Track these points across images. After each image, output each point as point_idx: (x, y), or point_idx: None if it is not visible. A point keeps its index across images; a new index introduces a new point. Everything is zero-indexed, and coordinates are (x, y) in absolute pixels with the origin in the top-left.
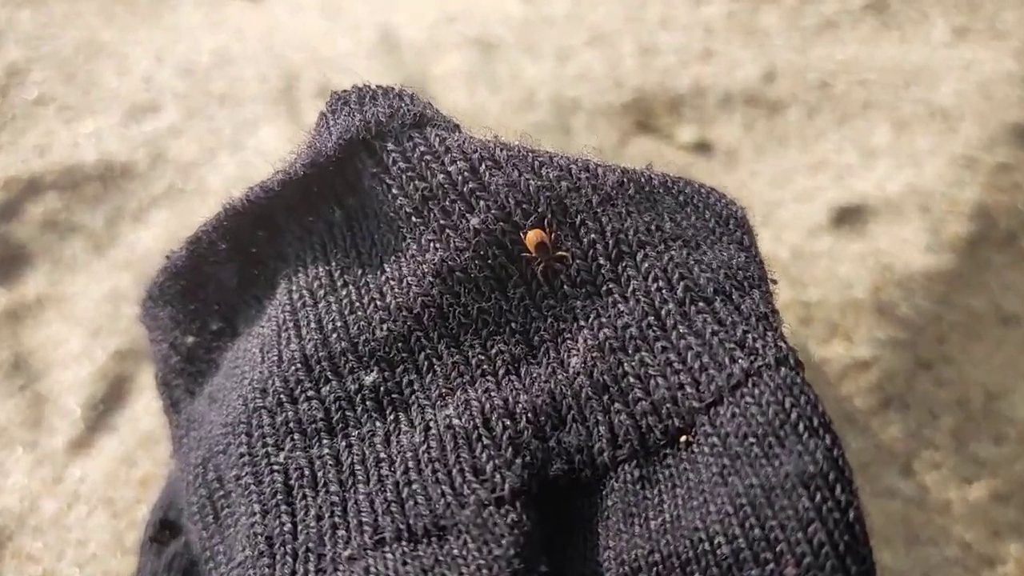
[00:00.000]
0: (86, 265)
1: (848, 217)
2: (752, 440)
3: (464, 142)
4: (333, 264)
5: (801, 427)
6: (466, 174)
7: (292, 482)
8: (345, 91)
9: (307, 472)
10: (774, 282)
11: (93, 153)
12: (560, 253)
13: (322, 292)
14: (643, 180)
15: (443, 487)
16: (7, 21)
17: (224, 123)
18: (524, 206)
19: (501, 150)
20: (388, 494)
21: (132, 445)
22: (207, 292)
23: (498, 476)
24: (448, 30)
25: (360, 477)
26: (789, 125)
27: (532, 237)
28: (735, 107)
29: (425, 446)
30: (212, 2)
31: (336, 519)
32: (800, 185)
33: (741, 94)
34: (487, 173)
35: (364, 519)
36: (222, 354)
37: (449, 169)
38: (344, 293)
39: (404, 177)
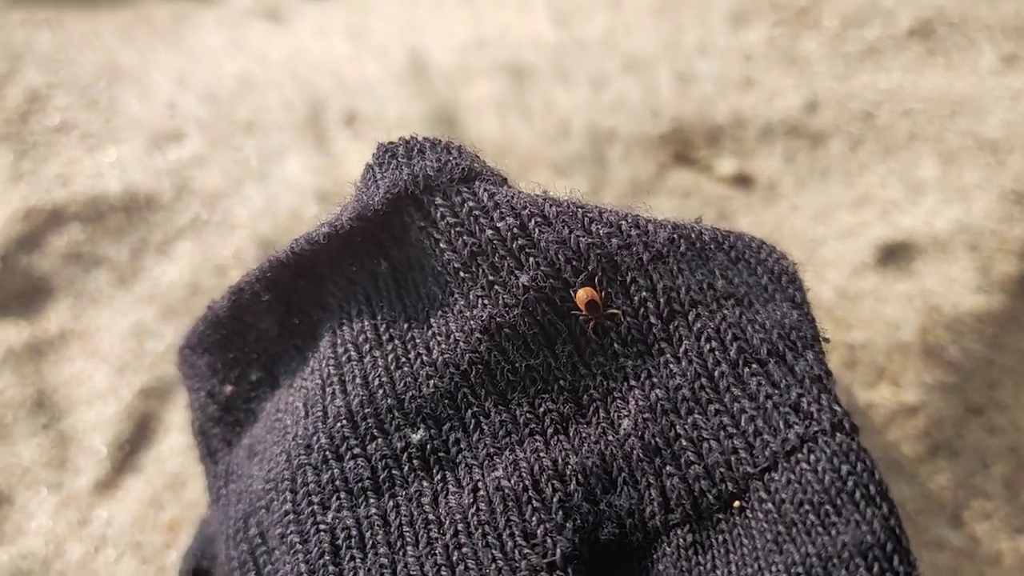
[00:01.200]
0: (110, 298)
1: (894, 255)
2: (808, 508)
3: (513, 197)
4: (379, 318)
5: (858, 495)
6: (516, 230)
7: (339, 543)
8: (392, 143)
9: (355, 533)
10: (827, 340)
11: (117, 183)
12: (611, 311)
13: (367, 347)
14: (694, 236)
15: (494, 551)
16: (25, 43)
17: (250, 152)
18: (574, 263)
19: (550, 206)
20: (438, 557)
21: (159, 487)
22: (247, 341)
23: (549, 540)
24: (479, 55)
25: (409, 539)
26: (832, 157)
27: (583, 295)
28: (776, 138)
29: (474, 508)
30: (234, 23)
31: None
32: (843, 221)
33: (782, 125)
34: (536, 229)
35: None
36: (261, 404)
37: (498, 225)
38: (390, 348)
39: (453, 232)
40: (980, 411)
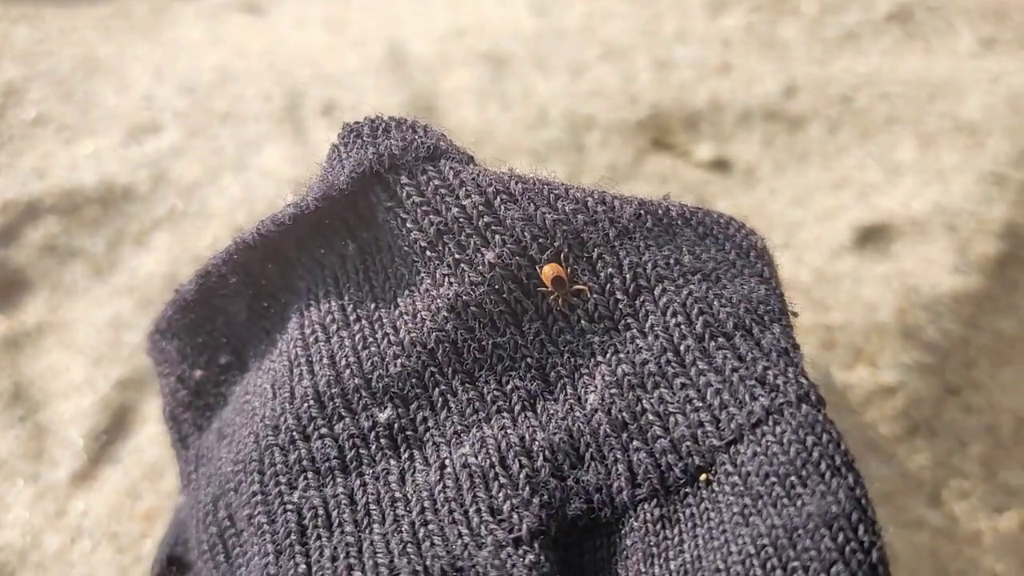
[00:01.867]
0: (86, 290)
1: (872, 237)
2: (774, 480)
3: (479, 175)
4: (346, 299)
5: (823, 466)
6: (481, 208)
7: (306, 522)
8: (357, 123)
9: (321, 512)
10: (795, 314)
11: (93, 175)
12: (577, 287)
13: (335, 327)
14: (661, 212)
15: (460, 527)
16: (3, 37)
17: (227, 142)
18: (540, 240)
19: (516, 183)
20: (404, 534)
21: (136, 477)
22: (216, 325)
23: (516, 516)
24: (458, 44)
25: (375, 517)
26: (810, 141)
27: (548, 271)
28: (754, 123)
29: (441, 485)
30: (213, 15)
31: (352, 560)
32: (822, 204)
33: (760, 109)
34: (502, 207)
35: (380, 560)
36: (230, 388)
37: (464, 203)
38: (357, 328)
39: (419, 211)
40: (957, 391)
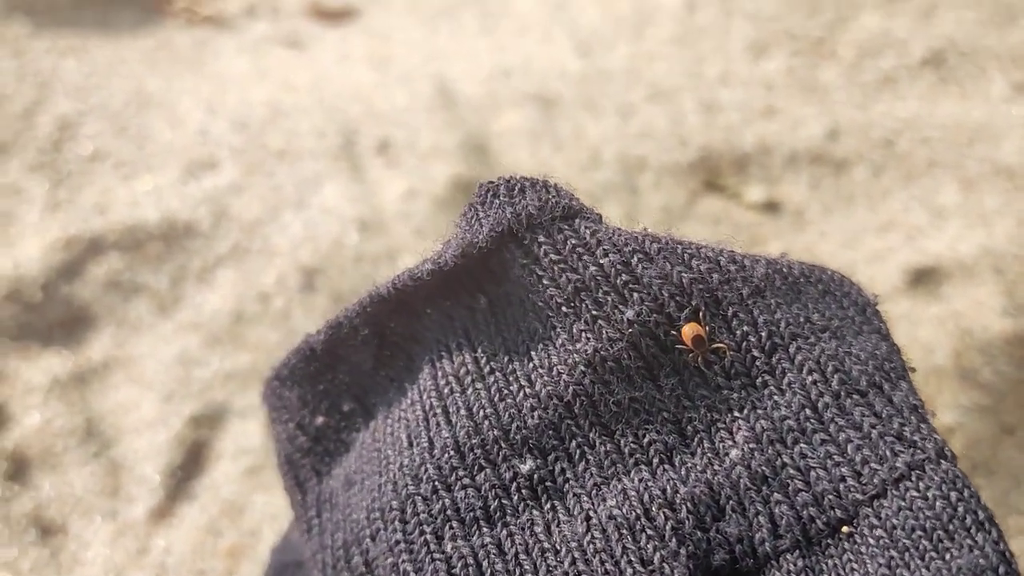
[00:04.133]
0: (152, 327)
1: (922, 279)
2: (920, 534)
3: (614, 234)
4: (479, 351)
5: (968, 521)
6: (619, 267)
7: (456, 571)
8: (493, 182)
9: (471, 561)
10: (913, 370)
11: (154, 211)
12: (716, 345)
13: (469, 379)
14: (786, 271)
15: None
16: (52, 72)
17: (285, 180)
18: (677, 298)
19: (651, 242)
20: None
21: (215, 514)
22: (338, 373)
23: (666, 567)
24: (505, 85)
25: (527, 567)
26: (856, 184)
27: (688, 330)
28: (801, 166)
29: (588, 536)
30: (255, 49)
31: None
32: (871, 246)
33: (806, 152)
34: (639, 266)
35: None
36: (352, 435)
37: (602, 262)
38: (492, 380)
39: (556, 269)
40: (1012, 430)
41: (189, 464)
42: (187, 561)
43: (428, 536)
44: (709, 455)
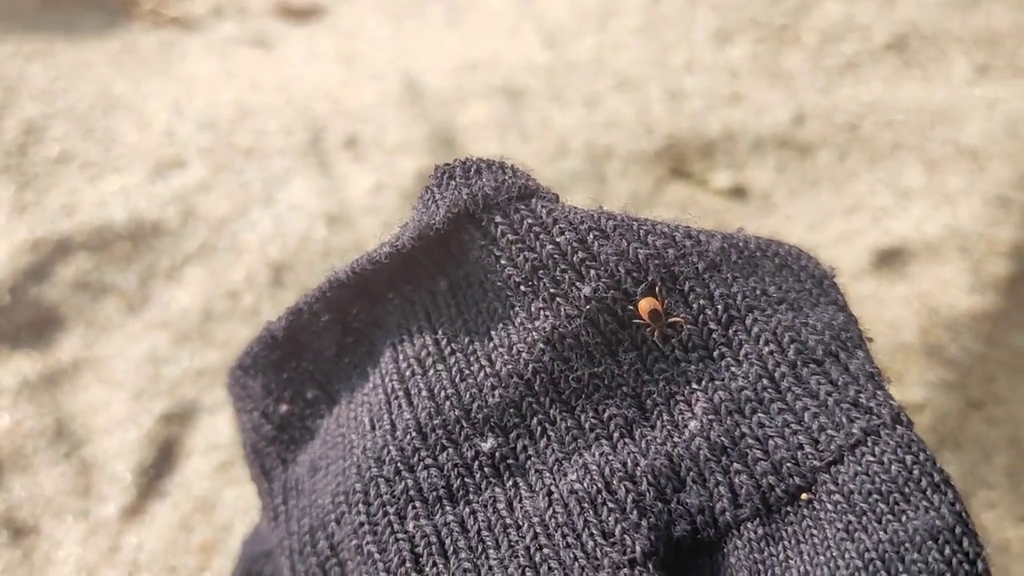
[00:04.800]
0: (121, 326)
1: (889, 260)
2: (877, 497)
3: (570, 212)
4: (440, 333)
5: (924, 483)
6: (575, 244)
7: (420, 550)
8: (449, 164)
9: (434, 540)
10: (870, 339)
11: (122, 211)
12: (673, 319)
13: (430, 360)
14: (741, 245)
15: (575, 551)
16: (18, 76)
17: (253, 177)
18: (634, 274)
19: (607, 220)
20: (520, 559)
21: (187, 510)
22: (301, 361)
23: (627, 538)
24: (472, 78)
25: (489, 543)
26: (821, 168)
27: (645, 305)
28: (767, 151)
29: (551, 511)
30: (222, 49)
31: None
32: (837, 228)
33: (772, 137)
34: (596, 243)
35: None
36: (316, 422)
37: (558, 240)
38: (453, 361)
39: (513, 248)
40: (980, 405)
41: (160, 461)
42: (159, 558)
43: (391, 516)
44: (669, 428)
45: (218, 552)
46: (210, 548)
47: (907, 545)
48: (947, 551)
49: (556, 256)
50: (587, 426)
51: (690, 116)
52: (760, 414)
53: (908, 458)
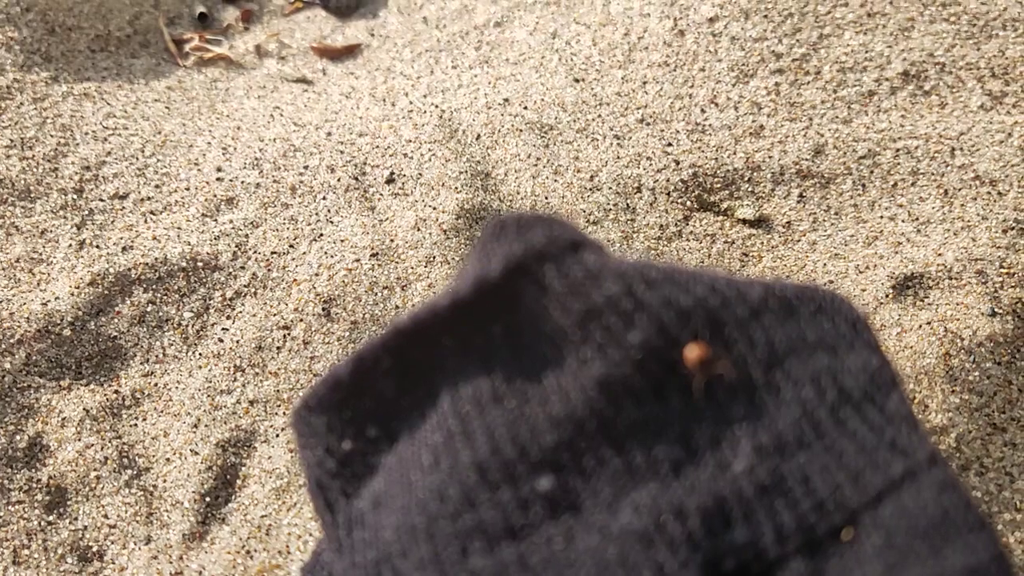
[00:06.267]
0: (177, 358)
1: (909, 286)
2: (916, 537)
3: (617, 264)
4: (495, 377)
5: (961, 523)
6: (623, 294)
7: None
8: (503, 219)
9: (497, 575)
10: (909, 378)
11: (176, 247)
12: (717, 369)
13: (488, 403)
14: (779, 292)
15: None
16: (72, 116)
17: (300, 212)
18: (680, 322)
19: (652, 270)
20: None
21: (245, 536)
22: (363, 401)
23: (681, 574)
24: (504, 113)
25: None
26: (842, 197)
27: (691, 354)
28: (789, 181)
29: (605, 548)
30: (264, 87)
31: None
32: (860, 256)
33: (794, 168)
34: (642, 292)
35: None
36: (378, 458)
37: (607, 290)
38: (508, 404)
39: (565, 298)
40: (1004, 429)
41: (219, 488)
42: None
43: (454, 552)
44: (714, 468)
45: None
46: (268, 572)
47: None
48: None
49: (605, 305)
50: (637, 466)
51: (715, 148)
52: (801, 456)
53: (945, 499)
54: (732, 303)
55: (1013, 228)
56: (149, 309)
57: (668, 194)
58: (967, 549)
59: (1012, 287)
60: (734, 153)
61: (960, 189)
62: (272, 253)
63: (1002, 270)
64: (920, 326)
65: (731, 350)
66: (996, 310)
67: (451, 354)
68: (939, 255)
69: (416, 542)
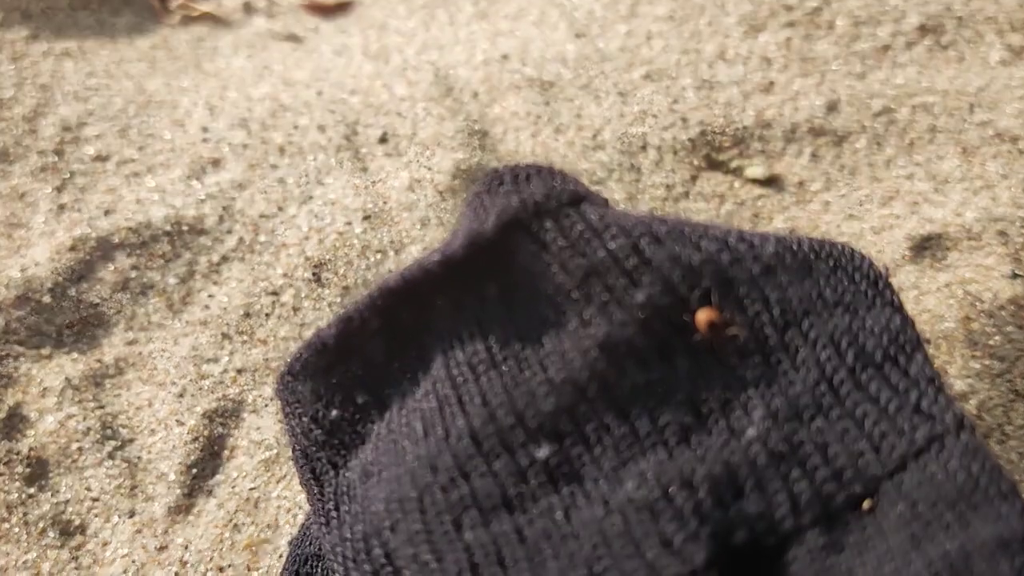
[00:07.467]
0: (162, 325)
1: (929, 248)
2: (943, 506)
3: (621, 218)
4: (491, 339)
5: (991, 492)
6: (628, 250)
7: (477, 560)
8: (498, 171)
9: (492, 549)
10: (927, 341)
11: (160, 210)
12: (731, 331)
13: (483, 367)
14: (795, 247)
15: (635, 561)
16: (52, 75)
17: (289, 174)
18: (688, 280)
19: (659, 224)
20: (580, 570)
21: (233, 509)
22: (351, 366)
23: (688, 548)
24: (502, 69)
25: (547, 553)
26: (857, 155)
27: (702, 316)
28: (802, 139)
29: (608, 520)
30: (252, 44)
31: None
32: (876, 216)
33: (806, 125)
34: (649, 248)
35: None
36: (367, 427)
37: (610, 246)
38: (505, 368)
39: (565, 254)
40: None
41: (205, 460)
42: (207, 557)
43: (448, 525)
44: (726, 435)
45: (264, 551)
46: (257, 547)
47: (975, 556)
48: (1017, 561)
49: (608, 262)
50: (642, 433)
51: (724, 105)
52: (819, 421)
53: (974, 466)
54: (744, 259)
55: None
56: (132, 275)
57: (675, 153)
58: (997, 519)
59: None
60: (743, 110)
61: (980, 147)
62: (260, 216)
63: None
64: (939, 288)
65: (744, 310)
66: (1018, 272)
67: (444, 316)
68: (958, 215)
69: (407, 515)
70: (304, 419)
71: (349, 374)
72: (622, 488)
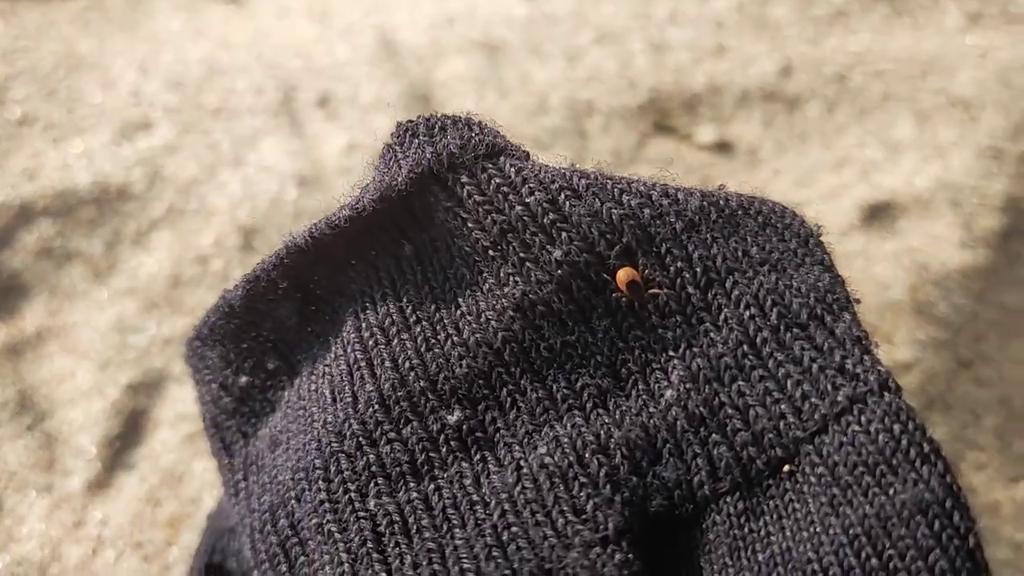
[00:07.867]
0: (86, 294)
1: (878, 215)
2: (863, 469)
3: (540, 171)
4: (404, 300)
5: (912, 454)
6: (546, 205)
7: (382, 529)
8: (412, 121)
9: (397, 518)
10: (858, 301)
11: (86, 175)
12: (652, 291)
13: (394, 329)
14: (722, 203)
15: (545, 529)
16: None
17: (222, 138)
18: (608, 236)
19: (579, 178)
20: (488, 538)
21: (154, 484)
22: (261, 330)
23: (600, 515)
24: (449, 32)
25: (455, 521)
26: (809, 121)
27: (623, 275)
28: (753, 104)
29: (519, 487)
30: (191, 6)
31: (436, 567)
32: (826, 183)
33: (758, 90)
34: (567, 203)
35: (466, 566)
36: (278, 393)
37: (527, 200)
38: (418, 330)
39: (480, 210)
40: (969, 365)
41: (127, 433)
42: (126, 532)
43: (353, 494)
44: (644, 397)
45: (186, 526)
46: (178, 522)
47: (895, 520)
48: (937, 525)
49: (526, 218)
50: (559, 397)
51: (674, 69)
52: (740, 382)
53: (896, 427)
54: (667, 215)
55: (988, 154)
56: (56, 242)
57: (623, 117)
58: (918, 482)
59: (985, 216)
60: (694, 75)
61: (933, 113)
62: (191, 181)
63: (976, 198)
64: (887, 257)
65: (666, 268)
66: (968, 241)
67: (357, 276)
68: (909, 183)
69: (312, 485)
70: (213, 386)
71: (260, 338)
72: (535, 453)
